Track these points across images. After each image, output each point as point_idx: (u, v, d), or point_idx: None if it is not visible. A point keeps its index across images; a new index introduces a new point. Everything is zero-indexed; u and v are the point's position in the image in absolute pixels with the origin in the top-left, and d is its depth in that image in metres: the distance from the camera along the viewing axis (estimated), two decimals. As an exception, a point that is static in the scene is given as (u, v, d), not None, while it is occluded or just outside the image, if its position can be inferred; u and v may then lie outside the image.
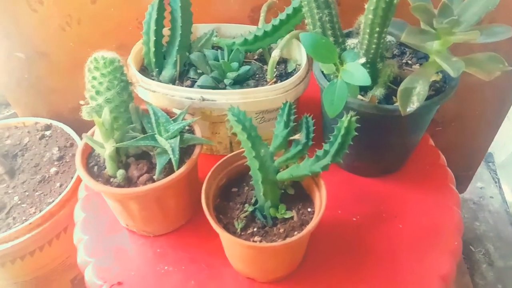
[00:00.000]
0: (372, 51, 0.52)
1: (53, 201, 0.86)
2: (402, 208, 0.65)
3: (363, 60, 0.53)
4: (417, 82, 0.50)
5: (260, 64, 0.73)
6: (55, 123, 1.04)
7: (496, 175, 1.38)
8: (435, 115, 1.05)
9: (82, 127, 0.56)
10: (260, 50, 0.74)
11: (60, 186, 0.91)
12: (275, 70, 0.70)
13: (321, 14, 0.54)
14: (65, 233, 0.89)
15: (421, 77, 0.51)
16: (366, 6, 0.47)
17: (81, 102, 0.56)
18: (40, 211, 0.84)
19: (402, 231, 0.62)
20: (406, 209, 0.65)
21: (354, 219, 0.63)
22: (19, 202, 0.88)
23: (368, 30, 0.49)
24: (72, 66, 0.97)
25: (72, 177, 0.91)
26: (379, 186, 0.68)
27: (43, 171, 0.94)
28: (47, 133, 1.02)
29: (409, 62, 0.65)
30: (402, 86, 0.50)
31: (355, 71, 0.49)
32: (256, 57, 0.75)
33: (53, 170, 0.93)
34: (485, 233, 1.22)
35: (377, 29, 0.48)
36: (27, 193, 0.89)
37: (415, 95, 0.50)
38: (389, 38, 0.56)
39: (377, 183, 0.68)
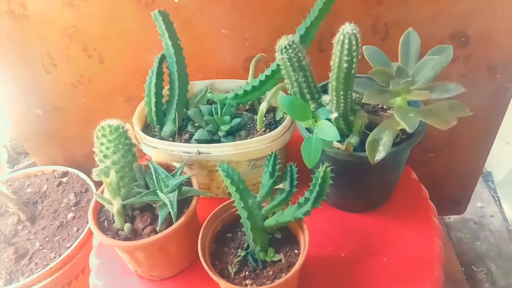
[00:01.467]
0: (342, 107, 0.58)
1: (71, 245, 0.93)
2: (386, 242, 0.70)
3: (335, 115, 0.59)
4: (383, 133, 0.57)
5: (250, 114, 0.81)
6: (71, 170, 1.13)
7: (496, 193, 1.42)
8: (425, 143, 1.11)
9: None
10: (251, 101, 0.82)
11: (77, 230, 0.98)
12: (264, 119, 0.77)
13: (297, 76, 0.61)
14: (83, 274, 0.96)
15: (387, 128, 0.57)
16: (330, 74, 0.54)
17: (94, 149, 0.64)
18: (60, 256, 0.92)
19: (387, 263, 0.67)
20: (390, 242, 0.70)
21: (343, 254, 0.69)
22: (40, 247, 0.96)
23: (334, 93, 0.56)
24: (85, 118, 1.06)
25: (87, 222, 0.99)
26: (365, 221, 0.73)
27: (61, 216, 1.02)
28: (64, 180, 1.11)
29: (384, 107, 0.72)
30: (369, 138, 0.57)
31: (327, 128, 0.56)
32: (247, 107, 0.83)
33: (70, 215, 1.01)
34: (487, 252, 1.25)
35: (342, 92, 0.55)
36: (47, 239, 0.97)
37: (381, 145, 0.56)
38: (356, 94, 0.62)
39: (363, 219, 0.74)
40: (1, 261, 0.94)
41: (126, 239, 0.61)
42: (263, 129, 0.76)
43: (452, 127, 1.11)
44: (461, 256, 1.24)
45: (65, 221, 1.01)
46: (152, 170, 0.64)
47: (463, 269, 1.21)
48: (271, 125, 0.78)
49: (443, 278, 0.66)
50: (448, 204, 1.26)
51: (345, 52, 0.49)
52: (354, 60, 0.50)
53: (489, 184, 1.45)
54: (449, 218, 1.35)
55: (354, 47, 0.49)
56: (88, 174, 1.10)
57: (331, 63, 0.53)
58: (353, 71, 0.52)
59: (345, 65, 0.51)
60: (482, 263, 1.22)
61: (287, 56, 0.60)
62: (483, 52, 0.90)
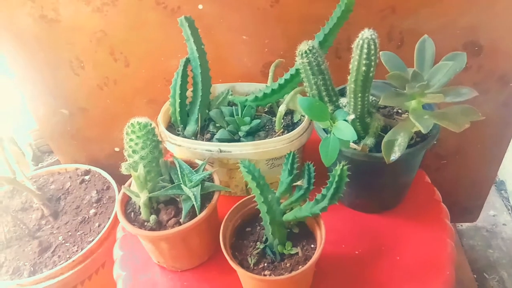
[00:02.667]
0: (359, 109, 0.62)
1: (93, 240, 0.97)
2: (399, 242, 0.72)
3: (352, 116, 0.63)
4: (399, 135, 0.60)
5: (269, 116, 0.84)
6: (93, 168, 1.17)
7: (509, 202, 1.42)
8: (438, 149, 1.13)
9: (116, 170, 0.67)
10: (270, 104, 0.85)
11: (99, 226, 1.02)
12: (282, 121, 0.81)
13: (316, 80, 0.64)
14: (103, 269, 0.99)
15: (402, 130, 0.60)
16: (348, 77, 0.58)
17: (116, 149, 0.68)
18: (82, 250, 0.95)
19: (400, 262, 0.69)
20: (403, 242, 0.72)
21: (356, 252, 0.71)
22: (63, 241, 0.99)
23: (352, 96, 0.59)
24: (109, 120, 1.11)
25: (109, 218, 1.03)
26: (378, 221, 0.76)
27: (84, 212, 1.06)
28: (86, 177, 1.15)
29: (399, 111, 0.75)
30: (385, 138, 0.60)
31: (344, 129, 0.59)
32: (266, 109, 0.87)
33: (92, 211, 1.05)
34: (499, 260, 1.25)
35: (359, 94, 0.58)
36: (70, 233, 1.01)
37: (396, 146, 0.59)
38: (373, 97, 0.65)
39: (377, 219, 0.76)
40: (25, 254, 0.97)
41: (151, 229, 0.64)
42: (282, 130, 0.79)
43: (465, 135, 1.12)
44: (473, 263, 1.25)
45: (87, 217, 1.04)
46: (177, 165, 0.68)
47: (475, 276, 1.21)
48: (289, 127, 0.81)
49: (454, 278, 0.68)
50: (461, 212, 1.27)
51: (364, 56, 0.53)
52: (372, 63, 0.54)
53: (502, 193, 1.45)
54: (461, 225, 1.36)
55: (372, 52, 0.52)
56: (110, 172, 1.14)
57: (350, 66, 0.56)
58: (371, 74, 0.55)
59: (364, 68, 0.54)
60: (494, 271, 1.23)
61: (307, 61, 0.63)
62: (495, 61, 0.92)
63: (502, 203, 1.42)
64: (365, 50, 0.52)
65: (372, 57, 0.53)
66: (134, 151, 0.65)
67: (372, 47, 0.52)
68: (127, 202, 0.70)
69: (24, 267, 0.95)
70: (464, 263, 1.24)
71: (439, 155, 1.13)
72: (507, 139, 1.09)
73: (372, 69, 0.54)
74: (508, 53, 0.90)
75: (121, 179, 0.73)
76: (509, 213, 1.39)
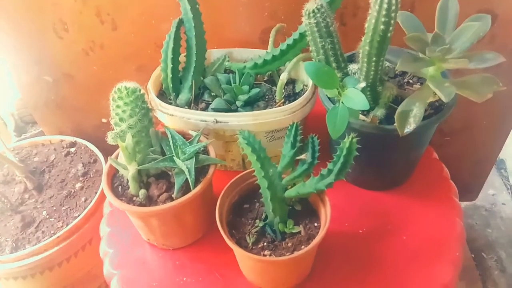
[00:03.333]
0: (371, 76, 0.56)
1: (79, 215, 0.92)
2: (406, 220, 0.68)
3: (363, 84, 0.57)
4: (414, 105, 0.54)
5: (269, 85, 0.78)
6: (79, 140, 1.11)
7: (508, 181, 1.40)
8: (443, 126, 1.08)
9: (104, 143, 0.62)
10: (270, 72, 0.79)
11: (85, 200, 0.97)
12: (283, 91, 0.75)
13: (323, 43, 0.58)
14: (90, 245, 0.95)
15: (417, 99, 0.55)
16: (363, 38, 0.52)
17: (104, 120, 0.62)
18: (67, 225, 0.90)
19: (406, 242, 0.65)
20: (410, 221, 0.68)
21: (361, 231, 0.67)
22: (47, 216, 0.94)
23: (365, 60, 0.53)
24: (95, 87, 1.04)
25: (96, 192, 0.97)
26: (384, 199, 0.71)
27: (69, 186, 1.00)
28: (72, 150, 1.09)
29: (410, 81, 0.69)
30: (399, 109, 0.54)
31: (355, 97, 0.54)
32: (266, 78, 0.80)
33: (78, 185, 1.00)
34: (497, 240, 1.23)
35: (374, 58, 0.52)
36: (54, 208, 0.96)
37: (411, 117, 0.54)
38: (387, 63, 0.60)
39: (382, 196, 0.72)
40: (7, 229, 0.92)
41: (141, 205, 0.59)
42: (282, 100, 0.74)
43: (471, 110, 1.08)
44: (471, 242, 1.22)
45: (73, 191, 0.99)
46: (170, 136, 0.62)
47: (473, 255, 1.19)
48: (290, 97, 0.75)
49: (462, 259, 0.65)
50: (460, 190, 1.22)
51: (384, 12, 0.46)
52: (392, 22, 0.47)
53: (502, 172, 1.43)
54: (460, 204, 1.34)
55: (393, 7, 0.46)
56: (97, 145, 1.08)
57: (366, 25, 0.50)
58: (389, 34, 0.49)
59: (382, 27, 0.48)
60: (492, 250, 1.21)
61: (315, 21, 0.57)
62: (509, 32, 0.87)
63: (501, 182, 1.39)
64: (385, 6, 0.46)
65: (392, 14, 0.46)
66: (121, 119, 0.58)
67: (394, 1, 0.46)
68: (114, 175, 0.64)
69: (6, 243, 0.90)
70: (463, 242, 1.22)
71: (443, 131, 1.09)
72: (513, 116, 1.04)
73: (391, 28, 0.48)
74: (525, 23, 0.85)
75: (109, 152, 0.68)
76: (509, 192, 1.37)
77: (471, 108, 1.03)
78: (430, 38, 0.52)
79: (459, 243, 0.66)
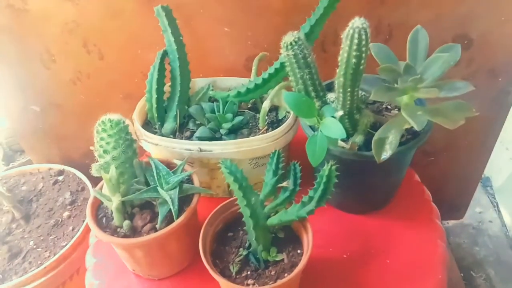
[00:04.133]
0: (348, 105, 0.58)
1: (66, 244, 0.91)
2: (389, 243, 0.69)
3: (340, 113, 0.59)
4: (390, 132, 0.56)
5: (253, 113, 0.80)
6: (67, 168, 1.11)
7: (495, 199, 1.41)
8: (426, 147, 1.10)
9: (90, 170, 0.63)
10: (253, 99, 0.81)
11: (73, 229, 0.96)
12: (266, 117, 0.76)
13: (302, 73, 0.60)
14: (78, 275, 0.94)
15: (393, 127, 0.57)
16: (337, 70, 0.54)
17: (92, 147, 0.62)
18: (54, 255, 0.89)
19: (390, 265, 0.66)
20: (393, 244, 0.69)
21: (345, 256, 0.68)
22: (34, 246, 0.93)
23: (341, 90, 0.55)
24: (83, 115, 1.05)
25: (83, 220, 0.97)
26: (367, 222, 0.72)
27: (57, 215, 1.00)
28: (60, 178, 1.09)
29: (389, 107, 0.71)
30: (376, 136, 0.56)
31: (332, 126, 0.55)
32: (249, 106, 0.82)
33: (65, 214, 0.99)
34: (485, 258, 1.24)
35: (349, 89, 0.54)
36: (41, 238, 0.95)
37: (388, 144, 0.55)
38: (362, 92, 0.62)
39: (365, 220, 0.73)
40: (-7, 260, 0.91)
41: (125, 236, 0.59)
42: (266, 127, 0.75)
43: (453, 131, 1.11)
44: (459, 261, 1.23)
45: (60, 220, 0.99)
46: (153, 166, 0.63)
47: (462, 274, 1.20)
48: (274, 124, 0.77)
49: (446, 281, 0.65)
50: (448, 209, 1.25)
51: (355, 46, 0.49)
52: (363, 55, 0.50)
53: (488, 190, 1.44)
54: (448, 223, 1.35)
55: (363, 42, 0.48)
56: (85, 172, 1.08)
57: (339, 58, 0.52)
58: (361, 67, 0.51)
59: (354, 60, 0.50)
60: (481, 269, 1.21)
61: (293, 53, 0.59)
62: (485, 55, 0.90)
63: (488, 200, 1.41)
64: (355, 41, 0.48)
65: (363, 48, 0.49)
66: (105, 151, 0.60)
67: (364, 37, 0.48)
68: (98, 206, 0.64)
69: (-8, 274, 0.89)
70: (451, 261, 1.22)
71: (427, 152, 1.11)
72: (495, 134, 1.07)
73: (362, 61, 0.50)
74: (498, 47, 0.88)
75: (97, 180, 0.68)
76: (495, 210, 1.38)
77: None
78: (402, 68, 0.54)
79: (442, 265, 0.67)
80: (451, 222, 1.35)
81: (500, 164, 1.40)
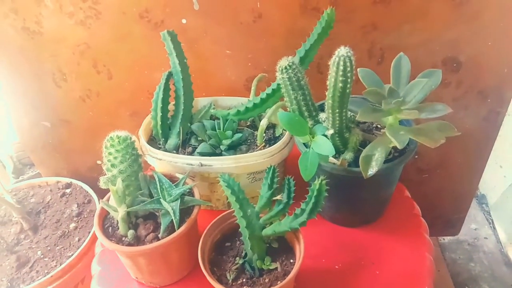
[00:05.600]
0: (337, 124, 0.62)
1: (72, 254, 0.96)
2: (379, 256, 0.73)
3: (331, 131, 0.63)
4: (376, 150, 0.60)
5: (251, 130, 0.84)
6: (74, 181, 1.15)
7: (490, 216, 1.44)
8: (419, 164, 1.14)
9: (98, 184, 0.66)
10: (252, 118, 0.85)
11: (79, 240, 1.01)
12: (264, 135, 0.81)
13: (295, 95, 0.65)
14: (82, 284, 0.98)
15: (379, 145, 0.61)
16: (326, 93, 0.59)
17: (99, 162, 0.67)
18: (61, 265, 0.94)
19: (380, 277, 0.69)
20: (383, 256, 0.72)
21: (337, 266, 0.71)
22: (41, 256, 0.98)
23: (330, 111, 0.60)
24: (91, 132, 1.10)
25: (89, 232, 1.01)
26: (358, 235, 0.76)
27: (64, 226, 1.04)
28: (67, 191, 1.14)
29: (379, 126, 0.76)
30: (363, 153, 0.60)
31: (323, 143, 0.60)
32: (248, 123, 0.87)
33: (72, 225, 1.04)
34: (480, 274, 1.26)
35: (337, 110, 0.59)
36: (49, 248, 0.99)
37: (374, 160, 0.60)
38: (351, 113, 0.66)
39: (357, 233, 0.76)
40: (2, 269, 0.95)
41: (129, 245, 0.64)
42: (263, 144, 0.80)
43: (446, 149, 1.14)
44: (455, 277, 1.25)
45: (67, 231, 1.03)
46: (157, 179, 0.68)
47: (457, 290, 1.22)
48: (271, 140, 0.82)
49: (433, 292, 0.69)
50: (443, 225, 1.28)
51: (340, 73, 0.54)
52: (349, 80, 0.54)
53: (483, 207, 1.47)
54: (443, 239, 1.38)
55: (348, 69, 0.53)
56: (92, 185, 1.13)
57: (327, 82, 0.57)
58: (347, 91, 0.56)
59: (340, 85, 0.55)
60: (475, 284, 1.23)
61: (287, 76, 0.64)
62: (474, 77, 0.94)
63: (483, 217, 1.44)
64: (341, 67, 0.53)
65: (348, 74, 0.53)
66: (112, 165, 0.64)
67: (348, 64, 0.53)
68: (105, 217, 0.69)
69: (1, 282, 0.92)
70: (447, 276, 1.24)
71: (421, 169, 1.15)
72: (488, 152, 1.10)
73: (348, 85, 0.55)
74: (487, 69, 0.92)
75: (103, 193, 0.73)
76: (490, 226, 1.41)
77: (445, 146, 1.09)
78: (386, 91, 0.59)
79: (429, 277, 0.70)
80: (447, 238, 1.38)
81: (495, 182, 1.43)
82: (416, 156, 1.11)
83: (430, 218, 0.81)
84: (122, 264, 0.71)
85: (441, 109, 0.57)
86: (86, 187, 1.13)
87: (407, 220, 0.79)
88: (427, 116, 0.58)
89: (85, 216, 1.07)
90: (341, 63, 0.53)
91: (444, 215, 1.26)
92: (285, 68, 0.63)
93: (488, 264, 1.29)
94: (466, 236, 1.37)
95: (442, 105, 0.58)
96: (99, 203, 0.68)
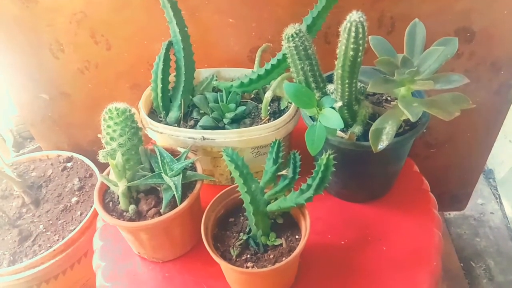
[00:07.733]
0: (346, 96, 0.59)
1: (74, 228, 0.95)
2: (386, 231, 0.71)
3: (339, 104, 0.60)
4: (387, 123, 0.58)
5: (255, 103, 0.81)
6: (75, 155, 1.14)
7: (497, 191, 1.42)
8: (428, 138, 1.11)
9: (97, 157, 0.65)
10: (256, 90, 0.82)
11: (81, 214, 1.00)
12: (269, 108, 0.78)
13: (302, 65, 0.61)
14: (85, 258, 0.97)
15: (390, 118, 0.58)
16: (335, 62, 0.55)
17: (99, 135, 0.65)
18: (63, 238, 0.93)
19: (387, 253, 0.68)
20: (390, 232, 0.71)
21: (343, 242, 0.70)
22: (44, 230, 0.97)
23: (339, 81, 0.57)
24: (91, 104, 1.07)
25: (91, 206, 1.00)
26: (365, 211, 0.74)
27: (65, 200, 1.03)
28: (69, 165, 1.12)
29: (388, 98, 0.72)
30: (373, 126, 0.58)
31: (331, 116, 0.57)
32: (252, 96, 0.84)
33: (74, 199, 1.03)
34: (486, 249, 1.26)
35: (347, 80, 0.56)
36: (51, 222, 0.98)
37: (384, 134, 0.57)
38: (361, 84, 0.63)
39: (363, 208, 0.75)
40: (5, 242, 0.95)
41: (130, 220, 0.62)
42: (268, 117, 0.77)
43: (455, 123, 1.11)
44: (460, 252, 1.25)
45: (69, 205, 1.02)
46: (158, 153, 0.65)
47: (462, 264, 1.22)
48: (276, 114, 0.79)
49: (441, 268, 0.67)
50: (449, 200, 1.27)
51: (352, 40, 0.50)
52: (360, 48, 0.51)
53: (490, 182, 1.45)
54: (449, 214, 1.36)
55: (360, 35, 0.49)
56: (93, 159, 1.11)
57: (337, 51, 0.54)
58: (359, 59, 0.52)
59: (351, 53, 0.52)
60: (480, 259, 1.23)
61: (294, 45, 0.60)
62: (488, 48, 0.90)
63: (490, 192, 1.42)
64: (352, 34, 0.50)
65: (360, 41, 0.50)
66: (112, 138, 0.62)
67: (360, 30, 0.49)
68: (105, 191, 0.67)
69: (3, 256, 0.92)
70: (452, 251, 1.24)
71: (429, 143, 1.12)
72: (498, 127, 1.08)
73: (360, 54, 0.52)
74: (501, 40, 0.88)
75: (104, 166, 0.71)
76: (497, 201, 1.39)
77: (455, 120, 1.06)
78: (400, 61, 0.56)
79: (437, 253, 0.69)
80: (453, 213, 1.37)
81: (503, 157, 1.41)
82: (425, 130, 1.08)
83: (436, 193, 0.79)
84: (124, 239, 0.70)
85: (457, 80, 0.54)
86: (87, 161, 1.11)
87: (415, 195, 0.77)
88: (442, 87, 0.54)
89: (87, 190, 1.05)
90: (353, 29, 0.49)
91: (451, 190, 1.24)
92: (292, 36, 0.60)
93: (493, 239, 1.28)
94: (472, 211, 1.36)
95: (458, 75, 0.55)
96: (100, 177, 0.66)
